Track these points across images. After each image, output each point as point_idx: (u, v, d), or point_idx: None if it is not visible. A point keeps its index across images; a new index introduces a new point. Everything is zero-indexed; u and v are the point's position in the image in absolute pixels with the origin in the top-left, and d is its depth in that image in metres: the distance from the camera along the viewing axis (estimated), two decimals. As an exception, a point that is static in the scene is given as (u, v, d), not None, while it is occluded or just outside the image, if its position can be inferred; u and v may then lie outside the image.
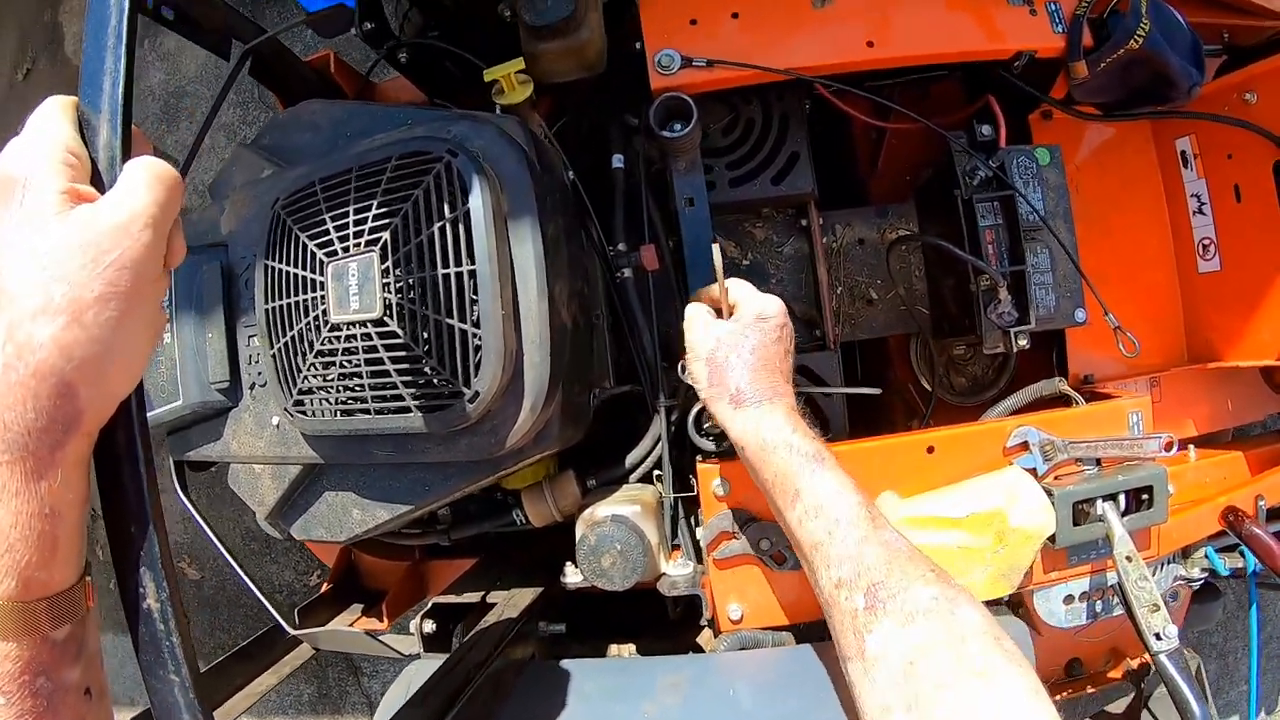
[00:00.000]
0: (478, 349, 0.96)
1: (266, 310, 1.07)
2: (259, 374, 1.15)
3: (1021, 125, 1.39)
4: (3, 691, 0.57)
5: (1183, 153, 1.46)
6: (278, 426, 1.14)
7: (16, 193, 0.57)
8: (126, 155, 0.63)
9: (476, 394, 0.97)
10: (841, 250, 1.47)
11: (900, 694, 0.74)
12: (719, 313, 1.10)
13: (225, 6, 1.25)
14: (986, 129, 1.29)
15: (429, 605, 1.24)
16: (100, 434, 0.62)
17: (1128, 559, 1.11)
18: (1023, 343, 1.28)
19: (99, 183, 0.62)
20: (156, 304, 0.62)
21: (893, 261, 1.42)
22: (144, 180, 0.60)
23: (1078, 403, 1.24)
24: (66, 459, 0.57)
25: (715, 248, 1.09)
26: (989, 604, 1.14)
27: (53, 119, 0.62)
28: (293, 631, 1.30)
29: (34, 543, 0.56)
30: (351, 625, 1.44)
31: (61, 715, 0.60)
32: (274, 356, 1.07)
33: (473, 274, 0.96)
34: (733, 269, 1.40)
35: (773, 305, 1.06)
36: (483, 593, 1.28)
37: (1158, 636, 1.10)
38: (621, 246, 1.25)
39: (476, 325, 0.96)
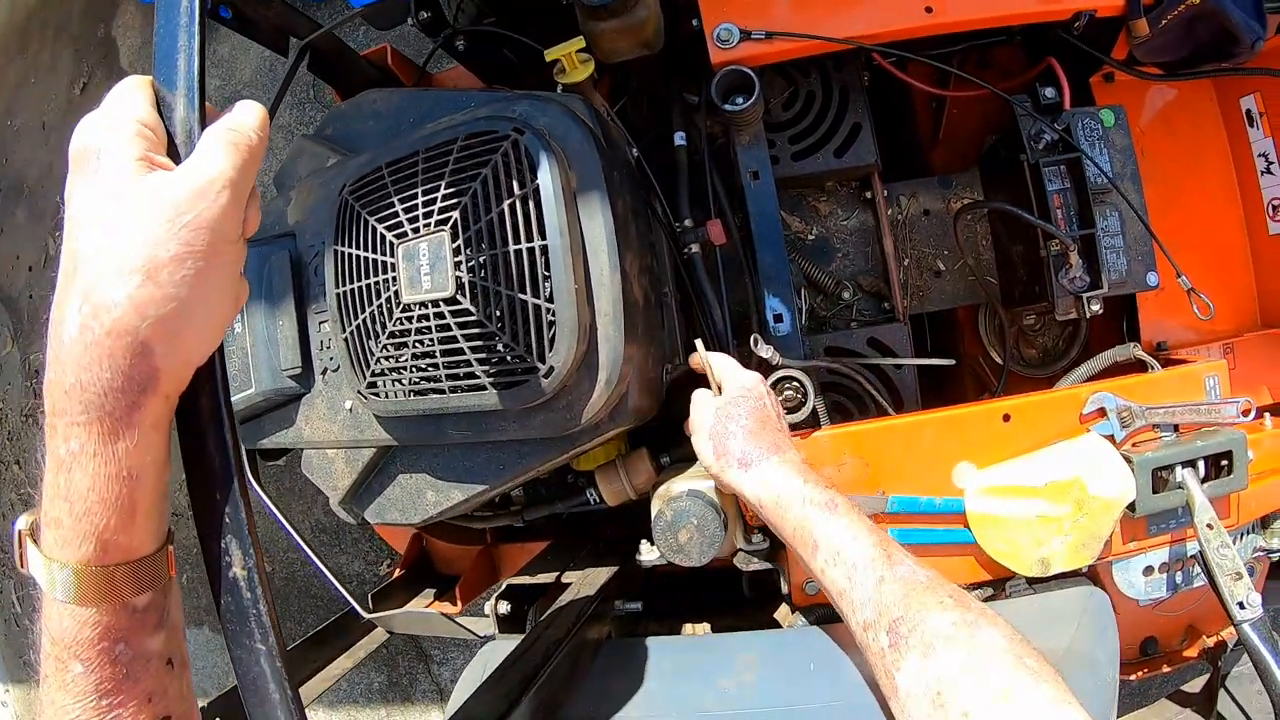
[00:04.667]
0: (551, 324, 0.97)
1: (338, 294, 1.08)
2: (331, 359, 1.17)
3: (1083, 89, 1.36)
4: (81, 658, 0.57)
5: (1248, 111, 1.41)
6: (351, 410, 1.15)
7: (92, 162, 0.57)
8: (202, 130, 0.63)
9: (551, 369, 0.98)
10: (907, 222, 1.46)
11: None
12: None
13: (280, 3, 1.26)
14: (1050, 91, 1.27)
15: (504, 586, 1.24)
16: (182, 400, 0.61)
17: (1209, 526, 1.08)
18: (1095, 308, 1.25)
19: (175, 157, 0.62)
20: (234, 268, 0.61)
21: (959, 230, 1.40)
22: (222, 146, 0.60)
23: (1153, 368, 1.22)
24: (144, 420, 0.56)
25: (698, 342, 1.13)
26: (1069, 575, 1.14)
27: (128, 95, 0.62)
28: (367, 615, 1.31)
29: (112, 506, 0.56)
30: (425, 609, 1.45)
31: (142, 684, 0.59)
32: (346, 340, 1.09)
33: (544, 249, 0.96)
34: (798, 244, 1.39)
35: (750, 378, 1.10)
36: (557, 573, 1.28)
37: (1241, 605, 1.07)
38: (688, 222, 1.25)
39: (550, 300, 0.96)
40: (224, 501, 0.65)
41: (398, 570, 1.53)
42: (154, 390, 0.57)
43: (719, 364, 1.13)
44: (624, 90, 1.44)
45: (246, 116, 0.64)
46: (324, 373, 1.18)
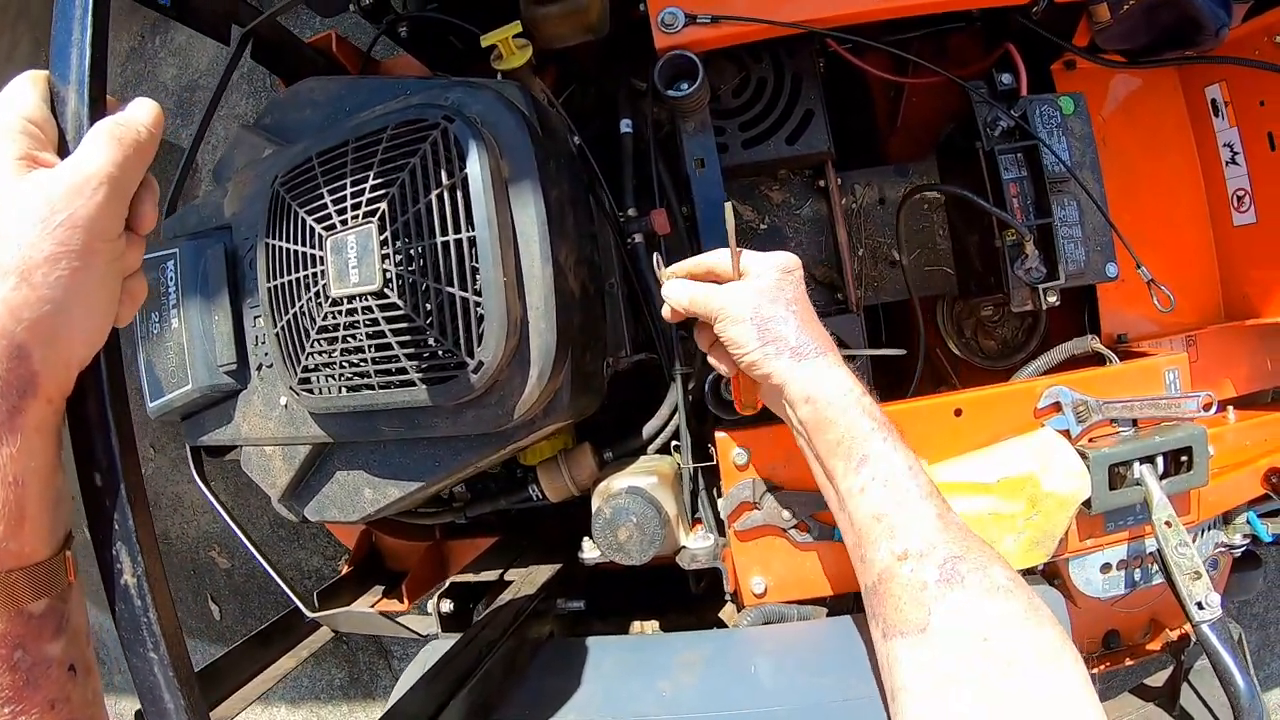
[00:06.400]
0: (481, 318, 0.94)
1: (269, 289, 1.06)
2: (266, 355, 1.14)
3: (1044, 77, 1.33)
4: None
5: (1213, 101, 1.38)
6: (286, 407, 1.13)
7: None
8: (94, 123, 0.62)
9: (481, 364, 0.95)
10: (862, 211, 1.42)
11: (969, 667, 0.73)
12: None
13: (222, -10, 1.24)
14: (1007, 78, 1.23)
15: (447, 585, 1.22)
16: (71, 403, 0.61)
17: (1167, 524, 1.06)
18: (1052, 300, 1.22)
19: (66, 153, 0.62)
20: (116, 267, 0.61)
21: (913, 217, 1.36)
22: (104, 141, 0.59)
23: (1111, 361, 1.19)
24: (26, 425, 0.56)
25: (728, 207, 0.98)
26: (1023, 573, 1.12)
27: (18, 91, 0.62)
28: (310, 614, 1.29)
29: None
30: (372, 607, 1.43)
31: (43, 691, 0.58)
32: (277, 335, 1.06)
33: (473, 241, 0.94)
34: (750, 233, 1.36)
35: (791, 258, 0.96)
36: (501, 571, 1.26)
37: (1200, 605, 1.05)
38: (632, 212, 1.22)
39: (478, 293, 0.94)
40: (112, 508, 0.65)
41: (346, 567, 1.51)
42: (34, 394, 0.56)
43: (744, 257, 0.96)
44: (571, 77, 1.40)
45: (138, 111, 0.64)
46: (259, 368, 1.15)
